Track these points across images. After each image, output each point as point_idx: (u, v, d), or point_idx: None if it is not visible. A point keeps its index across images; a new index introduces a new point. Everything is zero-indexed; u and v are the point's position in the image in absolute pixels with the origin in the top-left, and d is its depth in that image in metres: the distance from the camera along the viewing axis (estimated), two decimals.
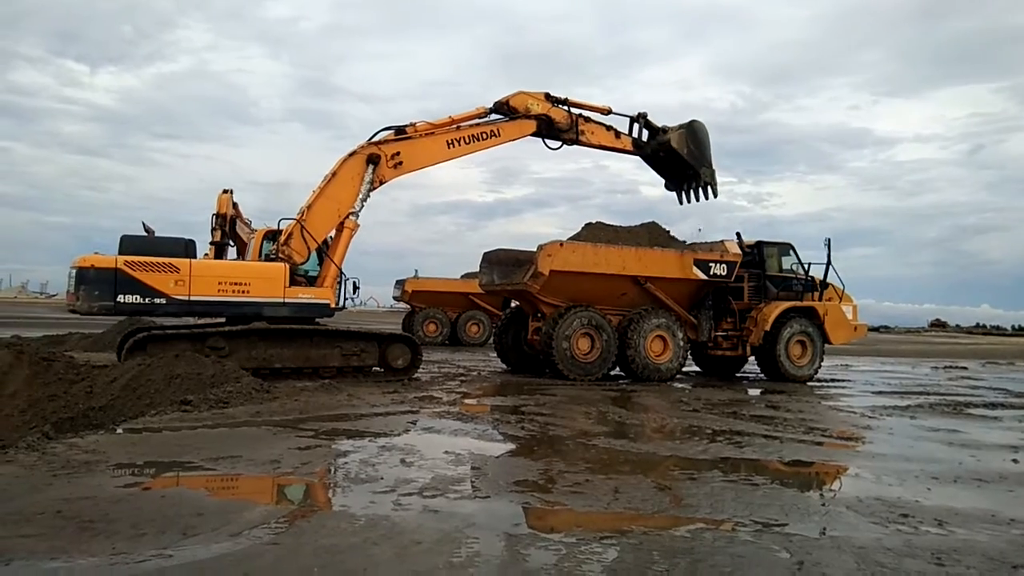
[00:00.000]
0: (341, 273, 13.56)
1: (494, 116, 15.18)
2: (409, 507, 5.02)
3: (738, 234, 16.90)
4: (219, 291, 12.18)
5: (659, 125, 16.80)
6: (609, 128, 16.23)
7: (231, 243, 14.67)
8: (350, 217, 13.49)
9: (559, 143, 15.72)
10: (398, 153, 13.97)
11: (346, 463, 6.44)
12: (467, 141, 14.57)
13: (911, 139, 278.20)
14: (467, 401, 11.24)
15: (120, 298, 11.50)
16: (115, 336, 15.52)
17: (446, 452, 7.02)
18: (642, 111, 16.67)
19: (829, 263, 16.91)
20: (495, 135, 14.80)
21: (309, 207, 13.23)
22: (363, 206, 13.64)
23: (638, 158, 17.06)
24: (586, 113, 15.94)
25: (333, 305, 13.39)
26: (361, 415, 9.20)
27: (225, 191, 14.45)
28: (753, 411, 11.03)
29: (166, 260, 11.88)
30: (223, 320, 13.10)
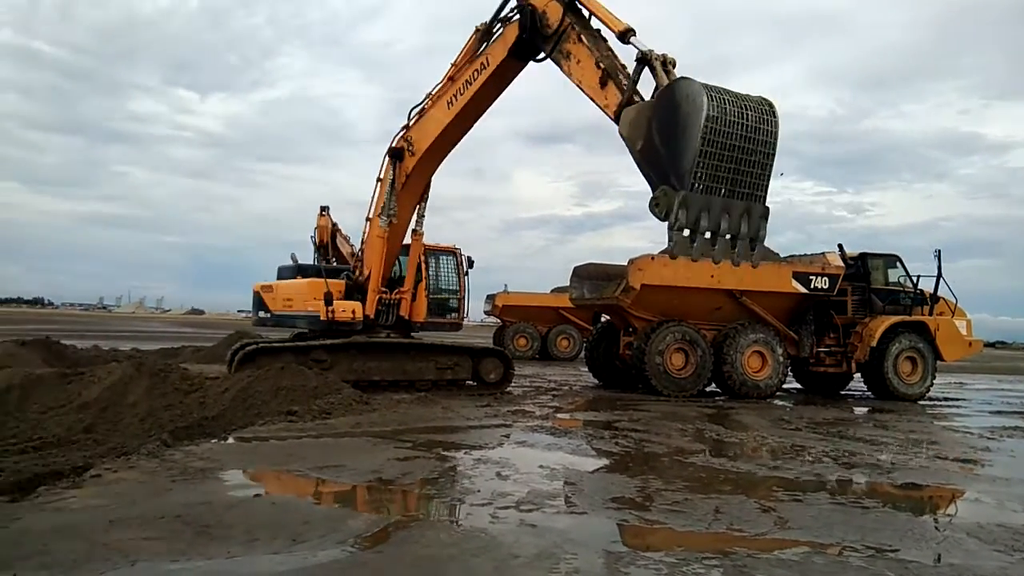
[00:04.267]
0: (419, 285, 13.87)
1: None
2: (506, 520, 5.06)
3: (840, 246, 16.27)
4: (284, 306, 13.93)
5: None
6: (604, 68, 9.25)
7: (334, 259, 15.34)
8: (378, 222, 13.06)
9: (542, 56, 10.61)
10: (410, 138, 12.87)
11: (444, 475, 6.55)
12: (463, 91, 11.81)
13: None
14: (560, 416, 11.23)
15: (259, 314, 14.59)
16: (225, 349, 16.36)
17: (540, 466, 7.03)
18: (652, 49, 8.41)
19: (940, 275, 16.02)
20: (485, 66, 11.44)
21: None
22: (393, 208, 12.93)
23: None
24: (597, 25, 9.68)
25: (353, 318, 13.11)
26: (456, 428, 9.34)
27: (322, 211, 15.08)
28: (860, 431, 10.53)
29: (271, 283, 14.15)
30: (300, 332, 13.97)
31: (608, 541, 4.76)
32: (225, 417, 8.80)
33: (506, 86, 11.75)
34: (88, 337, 25.85)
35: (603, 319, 19.06)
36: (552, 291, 28.43)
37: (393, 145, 12.95)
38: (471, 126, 12.51)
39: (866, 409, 14.12)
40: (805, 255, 16.60)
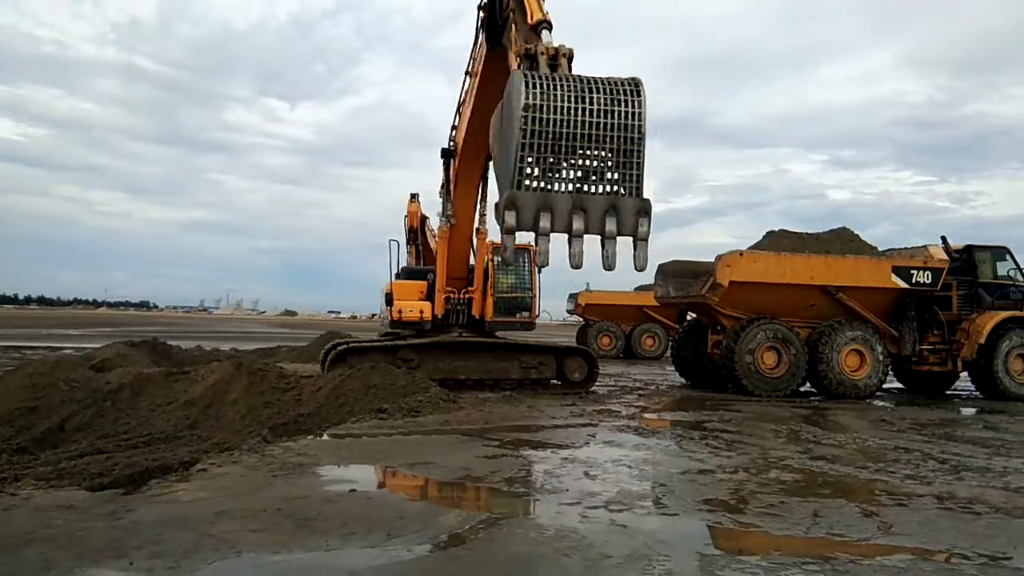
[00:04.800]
0: (486, 286, 13.77)
1: None
2: (596, 520, 5.02)
3: (943, 238, 15.43)
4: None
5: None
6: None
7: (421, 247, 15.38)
8: (437, 221, 13.24)
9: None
10: (453, 138, 12.80)
11: (532, 473, 6.56)
12: (471, 84, 11.08)
13: None
14: (647, 415, 11.08)
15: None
16: (318, 349, 16.91)
17: (629, 466, 6.95)
18: (551, 44, 6.92)
19: None
20: (474, 59, 10.73)
21: None
22: (450, 208, 12.94)
23: None
24: None
25: (421, 318, 13.36)
26: (542, 427, 9.35)
27: (413, 197, 15.19)
28: (969, 432, 9.95)
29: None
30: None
31: (701, 544, 4.66)
32: (319, 414, 9.10)
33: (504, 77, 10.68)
34: (191, 338, 27.24)
35: (689, 317, 18.73)
36: (636, 289, 28.10)
37: (445, 146, 13.09)
38: (486, 118, 11.78)
39: (974, 410, 13.35)
40: (905, 248, 15.83)
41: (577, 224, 5.84)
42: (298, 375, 11.03)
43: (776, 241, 15.39)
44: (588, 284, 28.32)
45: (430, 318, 13.49)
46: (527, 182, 5.88)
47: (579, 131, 5.84)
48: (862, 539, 4.82)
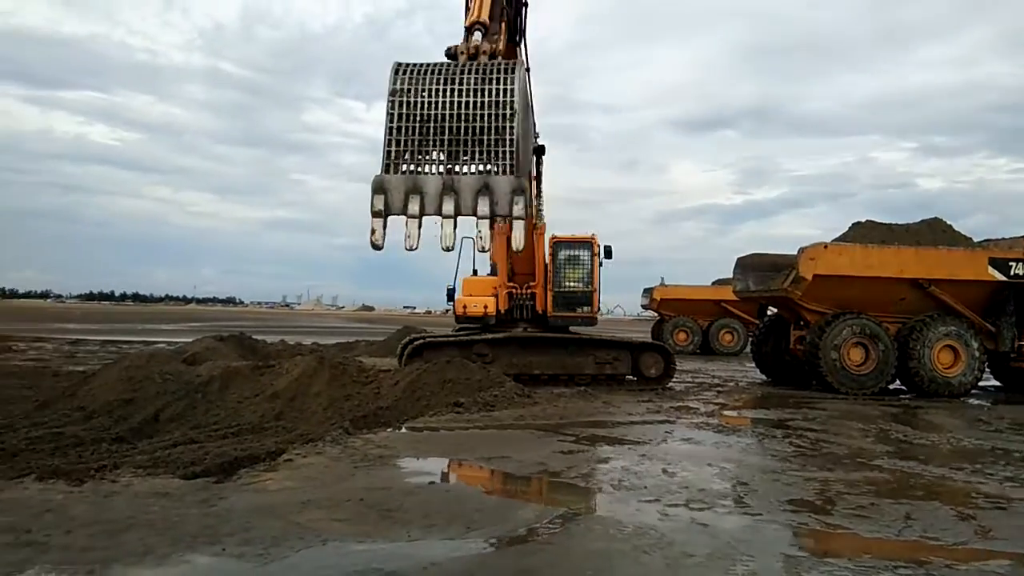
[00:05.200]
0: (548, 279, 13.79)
1: None
2: (676, 518, 4.94)
3: None
4: None
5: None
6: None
7: None
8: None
9: None
10: None
11: (609, 469, 6.51)
12: None
13: None
14: (726, 413, 10.83)
15: None
16: (395, 343, 17.23)
17: (709, 464, 6.81)
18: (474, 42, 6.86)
19: None
20: None
21: None
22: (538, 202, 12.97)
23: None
24: None
25: (485, 313, 13.52)
26: (618, 423, 9.26)
27: None
28: None
29: None
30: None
31: (786, 544, 4.52)
32: (398, 407, 9.26)
33: None
34: (275, 332, 28.19)
35: (770, 312, 18.23)
36: (713, 283, 27.54)
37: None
38: None
39: None
40: (1003, 239, 14.99)
41: (447, 206, 5.69)
42: (376, 369, 11.26)
43: (863, 232, 14.83)
44: (663, 278, 27.93)
45: (494, 313, 13.60)
46: (399, 164, 5.81)
47: (448, 112, 5.77)
48: (958, 543, 4.59)
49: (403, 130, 5.79)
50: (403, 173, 5.75)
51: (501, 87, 5.71)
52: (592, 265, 14.04)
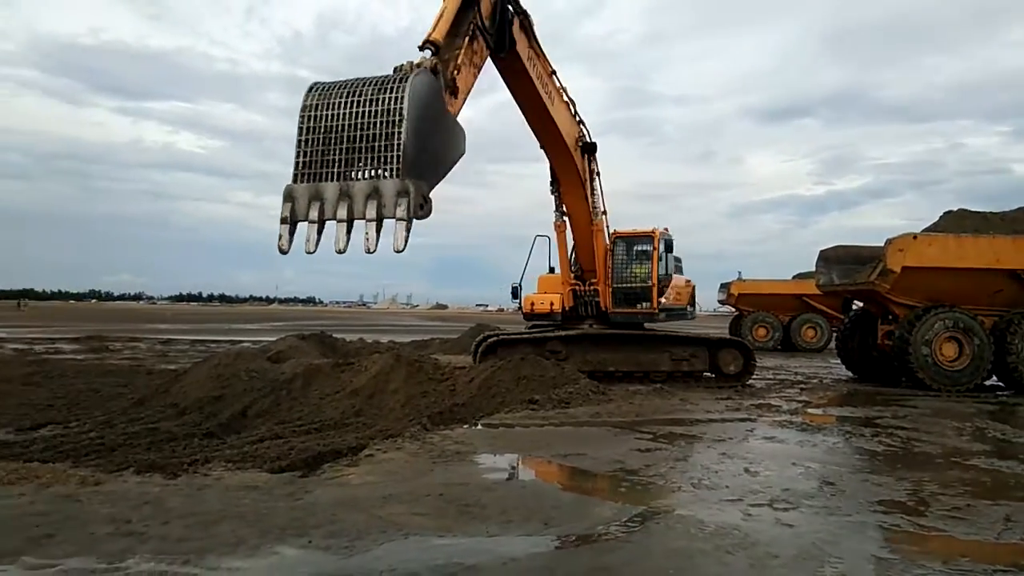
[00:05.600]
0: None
1: None
2: (760, 518, 4.82)
3: None
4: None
5: None
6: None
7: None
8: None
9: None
10: None
11: (688, 468, 6.40)
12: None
13: None
14: (810, 410, 10.49)
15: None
16: (469, 341, 17.39)
17: (794, 464, 6.61)
18: (426, 57, 7.04)
19: None
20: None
21: None
22: (558, 202, 13.14)
23: None
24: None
25: (551, 310, 13.70)
26: (696, 420, 9.09)
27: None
28: None
29: None
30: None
31: (876, 546, 4.35)
32: (473, 404, 9.35)
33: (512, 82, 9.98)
34: (353, 331, 28.86)
35: (856, 306, 17.56)
36: (794, 277, 26.71)
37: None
38: (532, 119, 10.90)
39: None
40: None
41: (341, 212, 6.05)
42: (451, 366, 11.39)
43: (955, 221, 14.15)
44: (740, 273, 27.27)
45: (560, 310, 13.62)
46: (306, 173, 6.26)
47: (347, 122, 6.21)
48: None
49: (310, 142, 6.28)
50: (308, 182, 6.23)
51: (392, 95, 6.07)
52: (652, 260, 13.51)
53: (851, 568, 3.92)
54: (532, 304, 14.01)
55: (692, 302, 14.35)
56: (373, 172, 6.07)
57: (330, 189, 6.14)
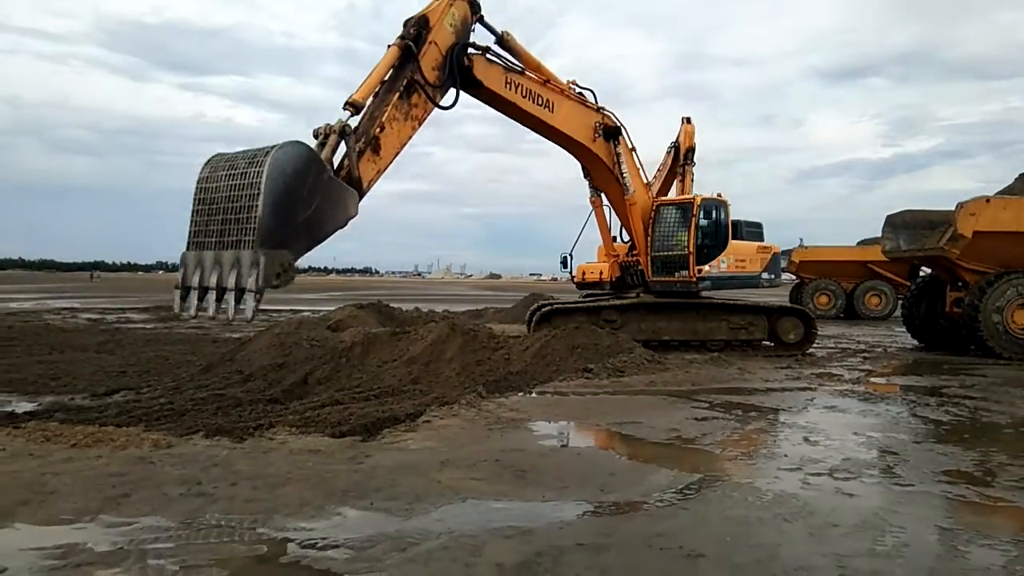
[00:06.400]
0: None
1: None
2: (819, 487, 4.76)
3: None
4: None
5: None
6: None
7: (680, 173, 14.82)
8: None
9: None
10: None
11: (745, 437, 6.34)
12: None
13: None
14: (873, 380, 10.24)
15: None
16: (523, 310, 17.44)
17: (855, 433, 6.48)
18: (342, 122, 7.36)
19: None
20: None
21: None
22: (589, 178, 13.40)
23: None
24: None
25: (600, 279, 14.06)
26: (754, 389, 8.97)
27: (687, 120, 14.89)
28: None
29: None
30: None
31: (941, 516, 4.26)
32: (528, 372, 9.41)
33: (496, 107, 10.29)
34: (409, 300, 29.23)
35: (923, 273, 16.96)
36: (859, 244, 25.91)
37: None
38: (530, 128, 11.13)
39: None
40: None
41: (212, 279, 6.46)
42: (506, 335, 11.45)
43: None
44: (801, 239, 26.60)
45: (608, 279, 13.92)
46: (198, 241, 6.71)
47: (224, 195, 6.54)
48: None
49: (200, 212, 6.71)
50: (196, 250, 6.70)
51: (255, 169, 6.32)
52: (689, 228, 12.84)
53: (913, 538, 3.84)
54: (584, 273, 14.45)
55: (771, 268, 13.82)
56: (235, 241, 6.46)
57: (208, 258, 6.62)
